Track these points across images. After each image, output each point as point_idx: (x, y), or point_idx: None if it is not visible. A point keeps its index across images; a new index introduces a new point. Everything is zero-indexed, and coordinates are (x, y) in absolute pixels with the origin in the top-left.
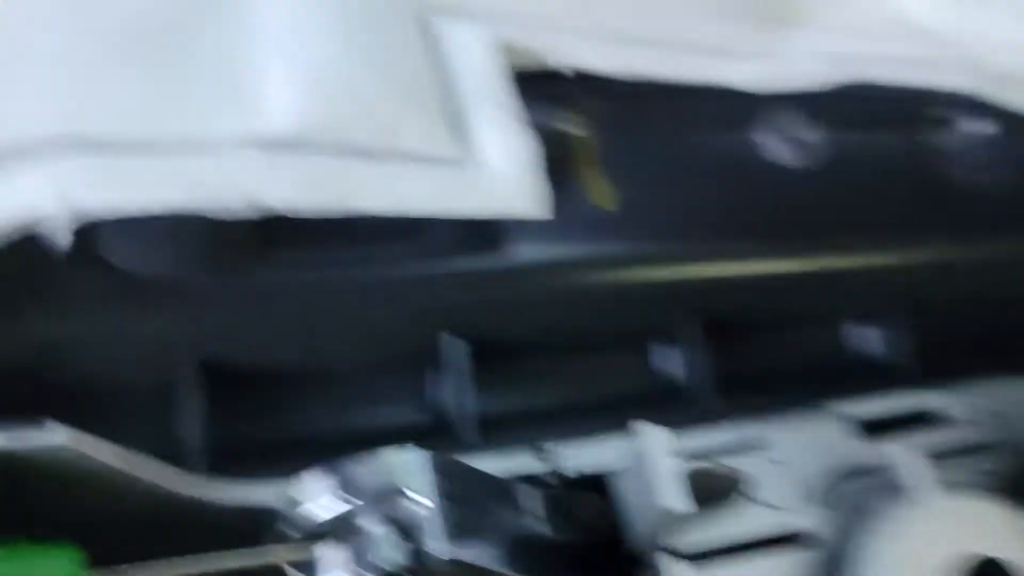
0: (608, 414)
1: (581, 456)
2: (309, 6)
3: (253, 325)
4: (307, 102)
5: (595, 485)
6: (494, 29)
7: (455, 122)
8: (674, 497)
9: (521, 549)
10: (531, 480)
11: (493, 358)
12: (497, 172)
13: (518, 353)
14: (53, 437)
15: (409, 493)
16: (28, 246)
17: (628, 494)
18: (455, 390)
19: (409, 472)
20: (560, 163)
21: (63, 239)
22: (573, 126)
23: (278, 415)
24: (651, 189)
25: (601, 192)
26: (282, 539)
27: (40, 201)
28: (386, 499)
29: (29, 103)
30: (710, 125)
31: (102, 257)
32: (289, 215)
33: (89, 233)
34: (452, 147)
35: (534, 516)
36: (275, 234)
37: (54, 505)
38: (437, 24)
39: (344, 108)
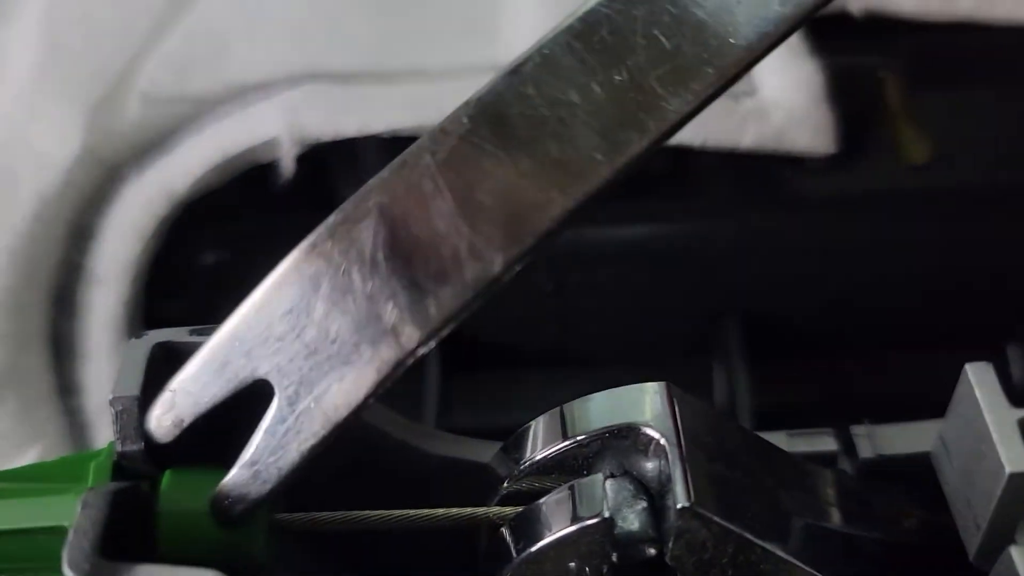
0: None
1: (895, 441)
2: None
3: None
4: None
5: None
6: None
7: None
8: (1015, 453)
9: (794, 531)
10: (825, 460)
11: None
12: (778, 102)
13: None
14: None
15: (647, 432)
16: None
17: (951, 481)
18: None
19: (649, 410)
20: (868, 109)
21: (288, 164)
22: (883, 69)
23: None
24: (979, 147)
25: (914, 143)
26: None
27: (269, 127)
28: (619, 440)
29: (269, 42)
30: None
31: None
32: None
33: None
34: None
35: (819, 499)
36: None
37: None
38: None
39: None
